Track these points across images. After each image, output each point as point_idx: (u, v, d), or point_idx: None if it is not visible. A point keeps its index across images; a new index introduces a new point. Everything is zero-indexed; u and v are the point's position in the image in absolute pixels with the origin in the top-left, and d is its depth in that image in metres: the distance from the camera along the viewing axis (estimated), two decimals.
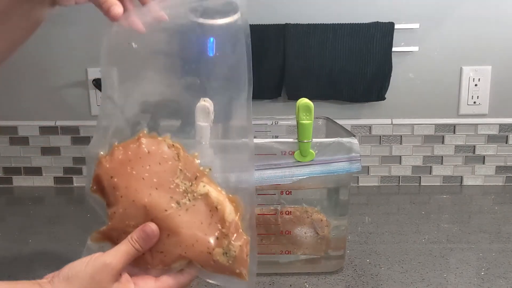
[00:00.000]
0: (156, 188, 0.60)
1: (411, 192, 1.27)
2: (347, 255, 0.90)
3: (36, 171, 1.32)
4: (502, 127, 1.27)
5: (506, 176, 1.30)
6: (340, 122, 0.98)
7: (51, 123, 1.30)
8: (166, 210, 0.59)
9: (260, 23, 1.21)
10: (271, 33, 1.21)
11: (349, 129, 1.09)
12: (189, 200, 0.60)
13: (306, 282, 0.82)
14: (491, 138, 1.28)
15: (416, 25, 1.21)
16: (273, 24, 1.21)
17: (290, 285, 0.81)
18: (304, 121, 0.76)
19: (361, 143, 1.25)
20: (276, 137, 1.05)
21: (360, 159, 0.79)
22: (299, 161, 0.77)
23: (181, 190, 0.60)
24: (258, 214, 0.83)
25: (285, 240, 0.84)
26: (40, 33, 1.24)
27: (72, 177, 1.32)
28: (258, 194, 0.82)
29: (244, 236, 0.61)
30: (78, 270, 0.55)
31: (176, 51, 0.65)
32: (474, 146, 1.28)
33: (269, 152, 0.77)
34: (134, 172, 0.60)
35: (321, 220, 0.84)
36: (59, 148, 1.31)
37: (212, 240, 0.60)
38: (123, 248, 0.58)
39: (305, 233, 0.84)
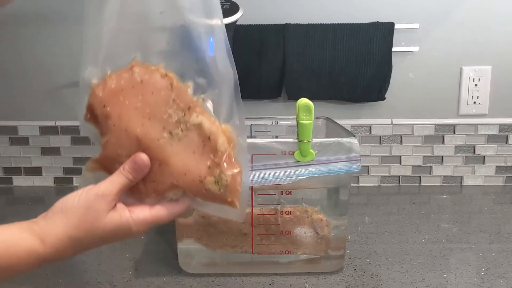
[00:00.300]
0: (149, 118, 0.59)
1: (411, 192, 1.27)
2: (347, 255, 0.90)
3: (36, 171, 1.32)
4: (502, 127, 1.27)
5: (506, 176, 1.30)
6: (340, 122, 0.99)
7: (51, 123, 1.30)
8: (158, 140, 0.59)
9: (260, 23, 1.21)
10: (271, 33, 1.21)
11: (349, 129, 1.09)
12: (182, 130, 0.60)
13: (306, 282, 0.82)
14: (491, 138, 1.28)
15: (416, 25, 1.21)
16: (273, 24, 1.21)
17: (290, 285, 0.81)
18: (304, 121, 0.76)
19: (361, 143, 1.25)
20: (276, 137, 1.06)
21: (360, 159, 0.79)
22: (299, 161, 0.77)
23: (173, 120, 0.60)
24: (258, 214, 0.83)
25: (285, 240, 0.84)
26: (40, 33, 1.25)
27: (72, 177, 1.32)
28: (258, 194, 0.82)
29: (237, 166, 0.61)
30: (72, 203, 0.57)
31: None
32: (474, 146, 1.28)
33: (269, 152, 0.77)
34: (126, 102, 0.60)
35: (321, 220, 0.84)
36: (59, 148, 1.31)
37: (204, 169, 0.60)
38: (115, 178, 0.58)
39: (305, 233, 0.84)
